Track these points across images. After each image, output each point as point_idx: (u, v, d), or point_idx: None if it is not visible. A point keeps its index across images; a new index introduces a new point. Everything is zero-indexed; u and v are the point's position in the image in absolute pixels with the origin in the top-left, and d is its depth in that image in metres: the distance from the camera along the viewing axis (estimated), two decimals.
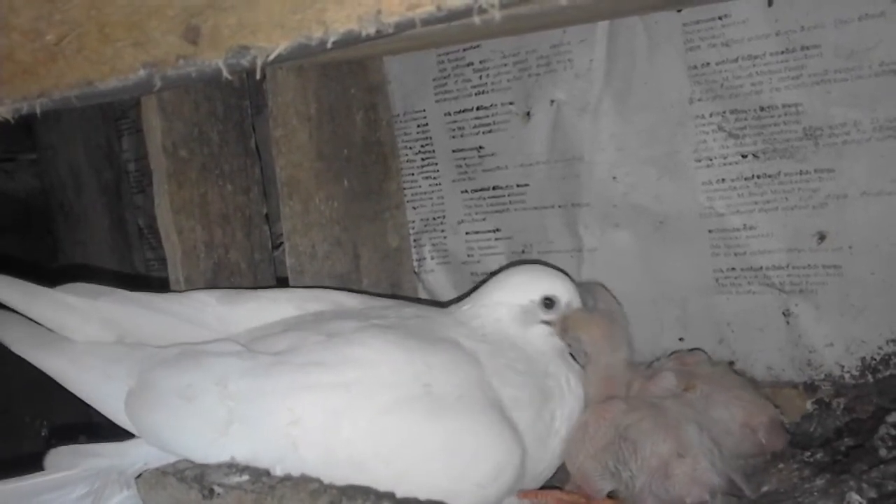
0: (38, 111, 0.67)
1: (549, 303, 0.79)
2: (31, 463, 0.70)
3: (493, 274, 0.85)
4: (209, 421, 0.66)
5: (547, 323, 0.78)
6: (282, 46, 0.52)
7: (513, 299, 0.78)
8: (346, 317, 0.75)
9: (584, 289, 0.84)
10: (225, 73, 0.55)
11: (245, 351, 0.69)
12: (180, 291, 0.83)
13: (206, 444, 0.66)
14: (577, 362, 0.80)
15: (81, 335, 0.72)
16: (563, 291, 0.80)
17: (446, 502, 0.62)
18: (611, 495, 0.73)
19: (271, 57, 0.53)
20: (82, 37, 0.61)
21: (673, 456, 0.68)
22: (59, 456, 0.71)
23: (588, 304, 0.82)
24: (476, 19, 0.47)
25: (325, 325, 0.73)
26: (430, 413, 0.67)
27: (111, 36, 0.59)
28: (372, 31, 0.49)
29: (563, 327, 0.78)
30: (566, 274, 0.82)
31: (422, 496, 0.63)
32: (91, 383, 0.70)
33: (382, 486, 0.63)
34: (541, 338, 0.78)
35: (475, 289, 0.83)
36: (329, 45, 0.51)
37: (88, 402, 0.70)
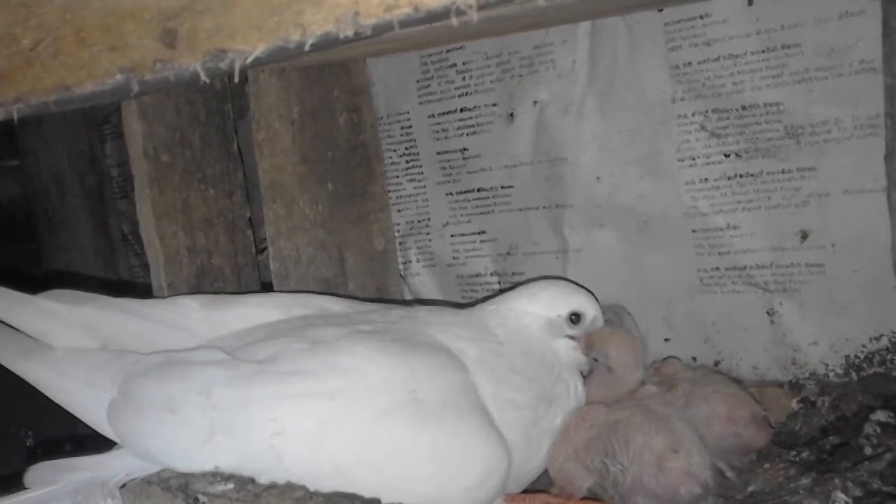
0: (14, 117, 0.67)
1: (575, 318, 0.80)
2: (18, 477, 0.70)
3: (521, 284, 0.85)
4: (193, 432, 0.66)
5: (570, 337, 0.79)
6: (259, 49, 0.52)
7: (541, 311, 0.79)
8: (331, 323, 0.75)
9: (609, 310, 0.85)
10: (203, 77, 0.55)
11: (228, 359, 0.69)
12: (164, 297, 0.82)
13: (189, 455, 0.66)
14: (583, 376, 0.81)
15: (64, 342, 0.72)
16: (590, 309, 0.81)
17: None
18: (591, 495, 0.73)
19: (249, 60, 0.52)
20: (58, 41, 0.60)
21: (667, 450, 0.69)
22: (39, 472, 0.70)
23: (613, 324, 0.85)
24: (454, 21, 0.47)
25: (308, 332, 0.72)
26: (416, 420, 0.66)
27: (87, 40, 0.59)
28: (350, 32, 0.49)
29: (589, 343, 0.80)
30: (592, 293, 0.83)
31: (410, 502, 0.63)
32: (73, 392, 0.69)
33: (370, 495, 0.63)
34: (562, 350, 0.78)
35: (499, 294, 0.84)
36: (307, 48, 0.50)
37: (71, 411, 0.69)
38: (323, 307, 0.80)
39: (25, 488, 0.69)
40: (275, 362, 0.68)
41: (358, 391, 0.66)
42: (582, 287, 0.84)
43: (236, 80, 0.56)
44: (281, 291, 0.94)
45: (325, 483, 0.63)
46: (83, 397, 0.68)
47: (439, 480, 0.66)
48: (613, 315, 0.86)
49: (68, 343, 0.72)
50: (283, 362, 0.68)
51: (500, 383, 0.72)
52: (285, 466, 0.64)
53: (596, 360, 0.80)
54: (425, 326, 0.75)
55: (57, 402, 0.69)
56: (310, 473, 0.64)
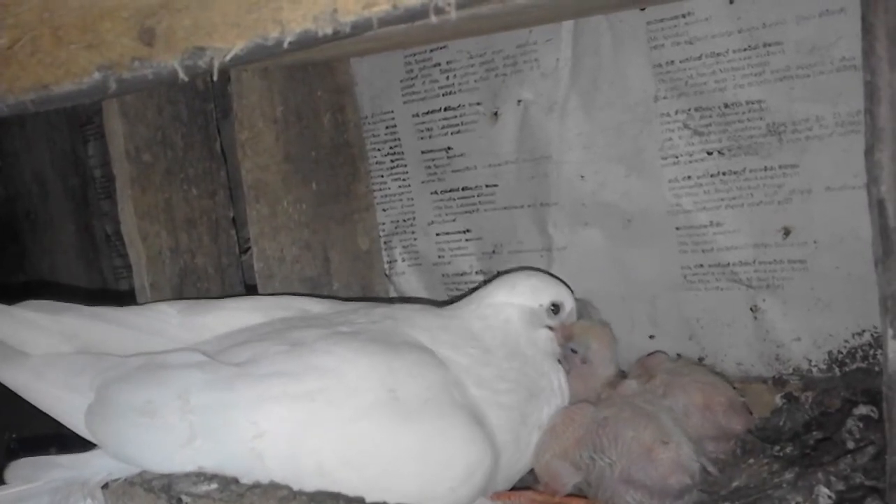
0: None
1: (555, 309, 0.81)
2: None
3: (496, 277, 0.86)
4: (171, 436, 0.65)
5: (549, 328, 0.80)
6: (238, 47, 0.51)
7: (523, 301, 0.79)
8: (311, 324, 0.75)
9: (579, 303, 0.86)
10: (181, 75, 0.55)
11: (206, 362, 0.68)
12: (142, 304, 0.81)
13: (169, 459, 0.66)
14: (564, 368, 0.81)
15: (42, 351, 0.71)
16: (569, 300, 0.82)
17: None
18: (575, 492, 0.73)
19: (228, 58, 0.52)
20: (36, 40, 0.60)
21: (657, 442, 0.69)
22: (20, 468, 0.69)
23: (584, 316, 0.86)
24: (433, 19, 0.47)
25: (288, 334, 0.72)
26: (397, 418, 0.66)
27: (65, 39, 0.58)
28: (329, 30, 0.49)
29: (569, 334, 0.80)
30: (568, 286, 0.84)
31: (393, 501, 0.63)
32: (52, 396, 0.69)
33: (353, 494, 0.63)
34: (542, 341, 0.79)
35: (477, 288, 0.84)
36: (286, 46, 0.50)
37: (51, 414, 0.69)
38: (303, 309, 0.80)
39: (5, 484, 0.69)
40: (254, 365, 0.68)
41: (337, 391, 0.66)
42: (559, 279, 0.85)
43: (215, 78, 0.56)
44: (261, 294, 0.93)
45: (308, 484, 0.63)
46: (62, 401, 0.68)
47: (422, 478, 0.66)
48: (582, 307, 0.86)
49: (46, 351, 0.71)
50: (263, 364, 0.68)
51: (487, 388, 0.72)
52: (267, 468, 0.64)
53: (574, 351, 0.80)
54: (408, 328, 0.75)
55: (36, 405, 0.69)
56: (292, 474, 0.64)
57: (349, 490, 0.63)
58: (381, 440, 0.65)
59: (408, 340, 0.72)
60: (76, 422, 0.67)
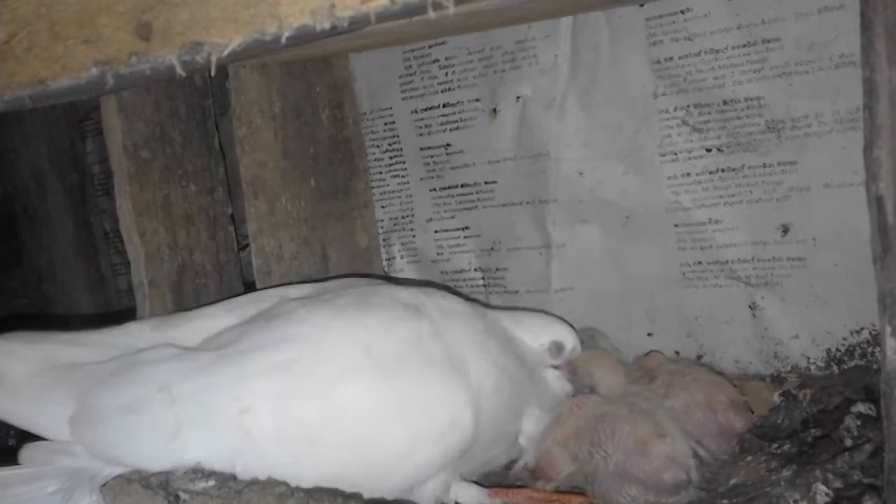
0: None
1: (556, 349, 0.81)
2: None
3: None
4: (158, 430, 0.65)
5: (554, 367, 0.80)
6: (235, 42, 0.51)
7: (526, 340, 0.80)
8: (290, 303, 0.75)
9: (583, 333, 0.86)
10: (179, 70, 0.55)
11: (183, 353, 0.69)
12: (117, 325, 0.79)
13: (159, 454, 0.65)
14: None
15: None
16: (569, 338, 0.82)
17: (409, 462, 0.64)
18: (570, 484, 0.73)
19: (225, 53, 0.52)
20: (32, 35, 0.60)
21: (653, 436, 0.70)
22: (33, 451, 0.69)
23: (588, 346, 0.86)
24: (431, 14, 0.47)
25: (266, 314, 0.73)
26: (376, 376, 0.67)
27: (62, 34, 0.58)
28: (326, 25, 0.49)
29: (573, 368, 0.81)
30: (570, 324, 0.84)
31: (384, 459, 0.65)
32: (32, 414, 0.68)
33: (344, 458, 0.64)
34: (550, 379, 0.80)
35: None
36: (283, 41, 0.50)
37: (35, 431, 0.68)
38: (283, 296, 0.79)
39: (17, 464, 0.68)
40: (232, 345, 0.69)
41: (315, 358, 0.67)
42: (560, 318, 0.85)
43: (213, 73, 0.56)
44: (236, 295, 0.92)
45: (299, 453, 0.64)
46: (44, 416, 0.68)
47: (410, 429, 0.66)
48: (588, 338, 0.87)
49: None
50: (240, 343, 0.68)
51: (477, 346, 0.72)
52: (256, 443, 0.64)
53: (587, 387, 0.80)
54: (394, 291, 0.75)
55: (19, 426, 0.68)
56: (281, 447, 0.64)
57: (340, 454, 0.64)
58: (363, 399, 0.66)
59: (385, 302, 0.72)
60: (61, 435, 0.67)
